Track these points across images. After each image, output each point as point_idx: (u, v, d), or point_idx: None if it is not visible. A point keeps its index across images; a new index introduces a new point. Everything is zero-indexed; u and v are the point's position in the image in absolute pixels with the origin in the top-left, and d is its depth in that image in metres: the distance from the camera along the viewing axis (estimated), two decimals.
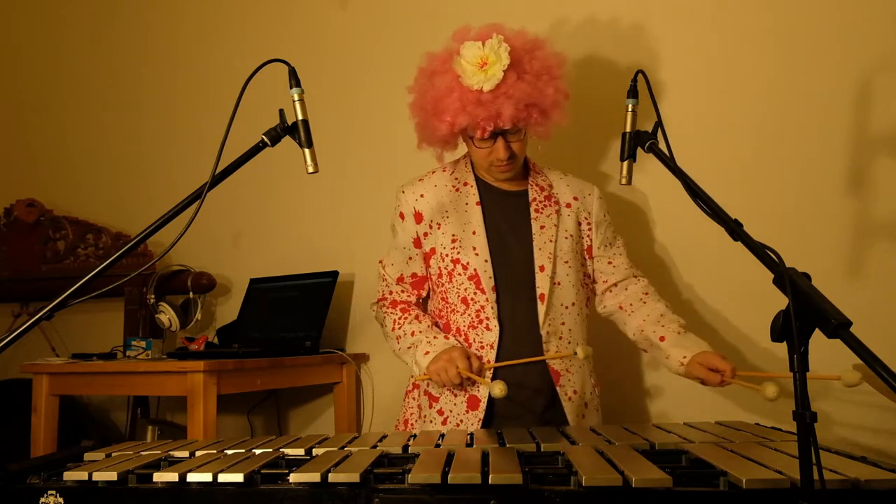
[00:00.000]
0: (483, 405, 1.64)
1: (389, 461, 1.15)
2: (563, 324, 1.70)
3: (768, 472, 0.95)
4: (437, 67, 1.64)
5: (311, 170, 1.32)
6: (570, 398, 1.68)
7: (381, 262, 1.84)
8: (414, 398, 1.80)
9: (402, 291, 1.80)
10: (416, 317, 1.74)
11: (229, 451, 1.23)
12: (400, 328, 1.73)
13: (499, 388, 1.42)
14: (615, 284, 1.79)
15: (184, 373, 2.05)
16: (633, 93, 1.31)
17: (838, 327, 0.82)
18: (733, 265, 1.98)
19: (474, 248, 1.68)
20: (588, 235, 1.79)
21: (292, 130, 1.30)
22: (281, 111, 1.31)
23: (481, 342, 1.66)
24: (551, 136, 1.70)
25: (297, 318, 2.50)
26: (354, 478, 0.99)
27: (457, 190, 1.76)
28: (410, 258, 1.78)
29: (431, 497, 0.96)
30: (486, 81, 1.55)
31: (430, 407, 1.71)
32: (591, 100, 2.08)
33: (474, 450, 1.15)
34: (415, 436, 1.35)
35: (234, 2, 2.92)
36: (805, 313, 0.85)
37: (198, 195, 1.25)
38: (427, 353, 1.63)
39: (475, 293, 1.67)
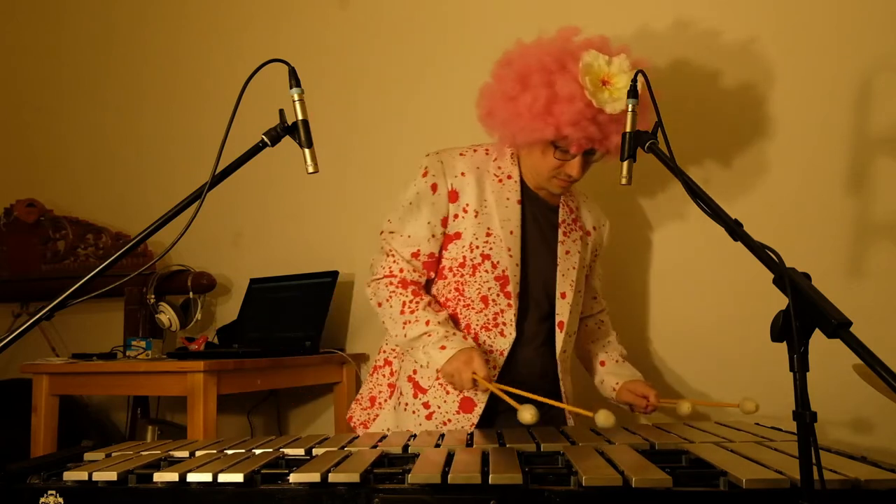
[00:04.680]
0: (479, 410, 1.57)
1: (389, 461, 1.15)
2: (564, 352, 1.68)
3: (768, 472, 0.95)
4: (553, 66, 1.48)
5: (311, 170, 1.31)
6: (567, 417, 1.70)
7: (388, 232, 1.65)
8: (384, 376, 1.72)
9: (414, 270, 1.62)
10: (429, 304, 1.59)
11: (229, 451, 1.23)
12: (411, 313, 1.56)
13: (529, 414, 1.25)
14: (589, 316, 1.84)
15: (184, 373, 2.05)
16: (633, 93, 1.31)
17: (838, 327, 0.82)
18: (733, 265, 1.99)
19: (509, 250, 1.58)
20: (591, 266, 1.80)
21: (292, 130, 1.30)
22: (281, 111, 1.31)
23: (492, 346, 1.58)
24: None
25: (297, 318, 2.50)
26: (354, 478, 0.99)
27: (499, 180, 1.63)
28: (433, 236, 1.61)
29: (431, 497, 0.96)
30: (612, 103, 1.43)
31: (415, 397, 1.61)
32: None
33: (474, 450, 1.15)
34: (415, 436, 1.35)
35: (234, 2, 2.92)
36: (805, 313, 0.85)
37: (198, 195, 1.25)
38: (443, 347, 1.50)
39: (498, 295, 1.58)
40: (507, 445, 1.20)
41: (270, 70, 1.26)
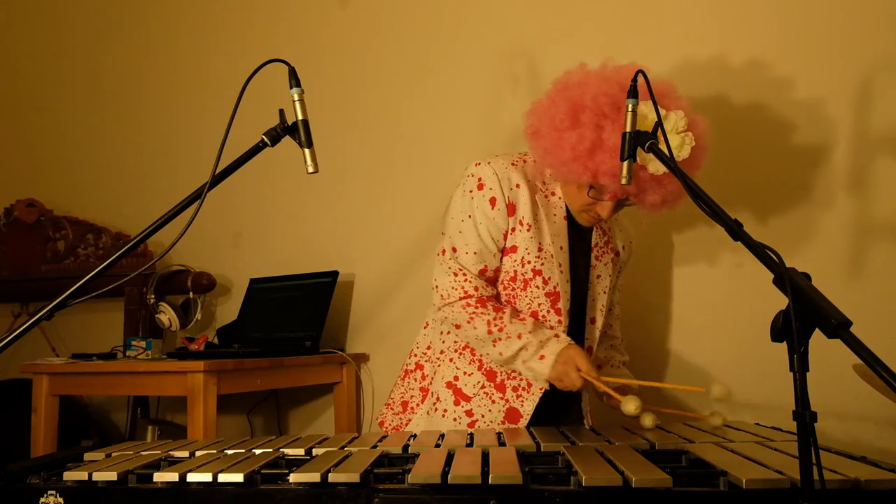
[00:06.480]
0: (524, 421, 1.56)
1: (389, 461, 1.15)
2: None
3: (768, 472, 0.95)
4: (606, 107, 1.41)
5: (310, 170, 1.32)
6: (585, 416, 1.74)
7: (451, 250, 1.58)
8: (416, 380, 1.70)
9: (487, 286, 1.58)
10: (512, 315, 1.55)
11: (229, 451, 1.23)
12: (500, 331, 1.51)
13: (634, 405, 1.26)
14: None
15: (184, 373, 2.06)
16: (632, 93, 1.30)
17: (838, 327, 0.82)
18: (732, 266, 1.98)
19: (560, 266, 1.56)
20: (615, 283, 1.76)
21: (292, 130, 1.30)
22: (281, 111, 1.31)
23: None
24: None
25: (297, 318, 2.50)
26: (354, 478, 0.99)
27: (545, 195, 1.58)
28: (498, 250, 1.57)
29: (431, 497, 0.96)
30: (656, 163, 1.35)
31: (457, 404, 1.59)
32: None
33: (474, 450, 1.14)
34: (415, 436, 1.35)
35: (234, 2, 2.92)
36: (805, 313, 0.85)
37: (198, 195, 1.25)
38: (542, 357, 1.49)
39: (548, 311, 1.56)
40: (507, 445, 1.20)
41: (270, 70, 1.27)
